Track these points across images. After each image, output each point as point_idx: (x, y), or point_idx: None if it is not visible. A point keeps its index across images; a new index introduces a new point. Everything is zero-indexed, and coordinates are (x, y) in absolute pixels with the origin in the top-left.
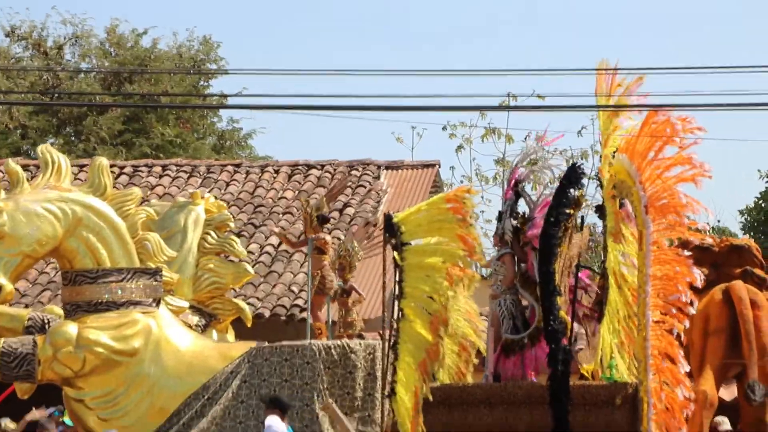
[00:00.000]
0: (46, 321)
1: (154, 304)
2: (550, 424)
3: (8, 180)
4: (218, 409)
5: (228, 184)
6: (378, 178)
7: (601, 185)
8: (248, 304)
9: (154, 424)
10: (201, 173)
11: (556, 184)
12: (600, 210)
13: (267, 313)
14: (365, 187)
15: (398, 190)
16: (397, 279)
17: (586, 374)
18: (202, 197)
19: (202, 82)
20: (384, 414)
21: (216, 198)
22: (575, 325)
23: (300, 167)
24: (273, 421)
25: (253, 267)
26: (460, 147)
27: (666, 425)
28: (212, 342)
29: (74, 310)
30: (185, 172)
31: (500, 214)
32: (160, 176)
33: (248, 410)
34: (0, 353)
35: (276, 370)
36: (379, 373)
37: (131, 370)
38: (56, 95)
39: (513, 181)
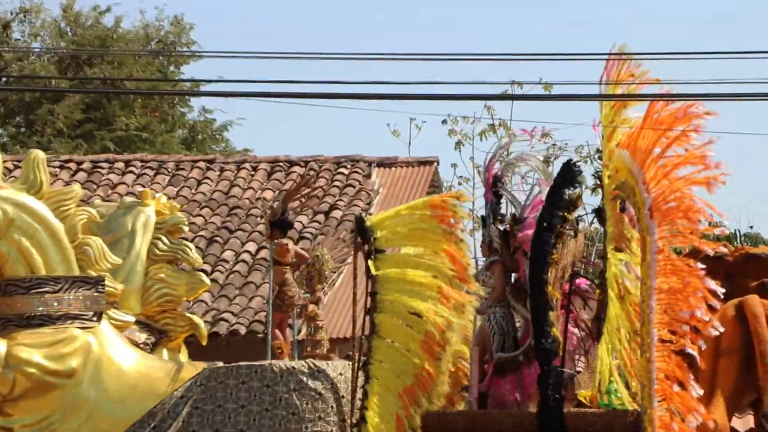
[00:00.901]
0: None
1: (94, 318)
2: None
3: None
4: None
5: (200, 183)
6: (369, 176)
7: (601, 185)
8: (221, 319)
9: None
10: (169, 170)
11: (542, 179)
12: (599, 213)
13: (243, 330)
14: (354, 187)
15: (391, 191)
16: (370, 290)
17: (584, 401)
18: (153, 197)
19: (172, 67)
20: None
21: (169, 198)
22: (573, 342)
23: (281, 164)
24: None
25: (227, 276)
26: (459, 143)
27: None
28: (161, 362)
29: (3, 325)
30: (151, 168)
31: (483, 219)
32: (123, 173)
33: None
34: None
35: (232, 395)
36: (348, 396)
37: (68, 393)
38: (3, 79)
39: (490, 180)
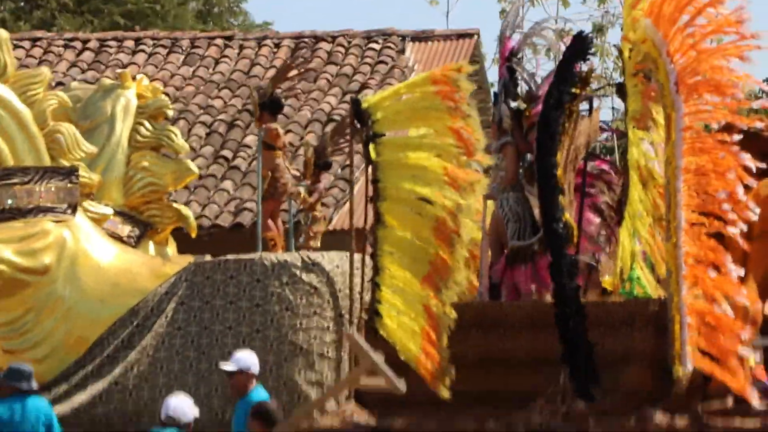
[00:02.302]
0: None
1: (69, 211)
2: (556, 349)
3: None
4: (150, 337)
5: (217, 62)
6: (402, 52)
7: (622, 57)
8: (245, 209)
9: (71, 356)
10: (183, 48)
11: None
12: (620, 89)
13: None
14: (386, 64)
15: (427, 67)
16: (372, 178)
17: (609, 288)
18: (133, 78)
19: None
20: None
21: (186, 78)
22: (595, 227)
23: (306, 40)
24: (244, 354)
25: (249, 163)
26: (503, 12)
27: (712, 349)
28: (142, 257)
29: None
30: (164, 46)
31: (495, 96)
32: (133, 52)
33: (186, 339)
34: None
35: (219, 291)
36: (347, 291)
37: (41, 291)
38: None
39: (505, 53)
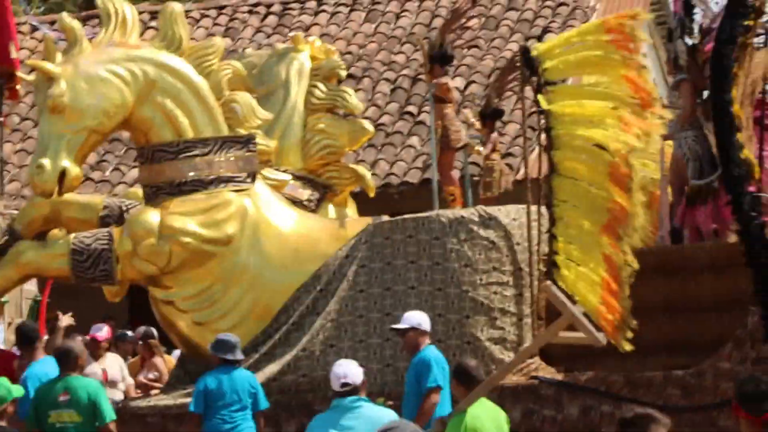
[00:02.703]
0: (124, 208)
1: (248, 180)
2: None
3: (65, 39)
4: (334, 302)
5: (398, 16)
6: None
7: None
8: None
9: (259, 325)
10: (365, 5)
11: None
12: None
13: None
14: (568, 5)
15: (611, 6)
16: (545, 126)
17: None
18: (306, 40)
19: None
20: (533, 292)
21: (367, 36)
22: None
23: None
24: (414, 313)
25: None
26: None
27: None
28: (322, 221)
29: (155, 194)
30: (345, 5)
31: (670, 32)
32: (315, 13)
33: (369, 300)
34: (71, 251)
35: (399, 250)
36: (525, 244)
37: (227, 261)
38: None
39: None
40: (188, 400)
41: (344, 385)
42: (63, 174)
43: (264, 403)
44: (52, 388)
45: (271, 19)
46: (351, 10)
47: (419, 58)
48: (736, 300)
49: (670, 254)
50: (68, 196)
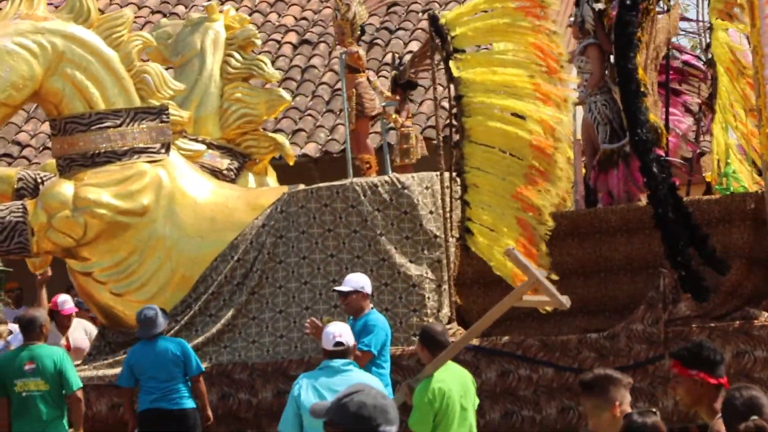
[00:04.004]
0: (39, 181)
1: (162, 151)
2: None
3: None
4: (253, 274)
5: None
6: None
7: None
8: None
9: (177, 295)
10: None
11: None
12: None
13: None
14: None
15: None
16: (455, 94)
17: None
18: (220, 10)
19: None
20: (449, 259)
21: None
22: (686, 126)
23: None
24: (356, 275)
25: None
26: None
27: None
28: (238, 190)
29: (68, 165)
30: None
31: None
32: None
33: (287, 271)
34: None
35: (316, 219)
36: (439, 212)
37: (142, 232)
38: None
39: None
40: (109, 371)
41: (337, 344)
42: None
43: (196, 368)
44: (16, 357)
45: None
46: None
47: (375, 23)
48: (649, 262)
49: (583, 217)
50: None
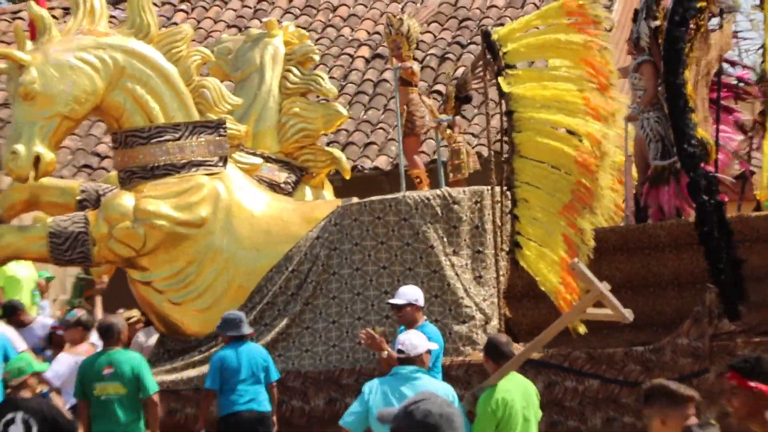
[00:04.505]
0: (101, 192)
1: (220, 164)
2: (702, 268)
3: (34, 27)
4: (308, 285)
5: None
6: None
7: None
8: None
9: (233, 305)
10: None
11: None
12: None
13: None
14: None
15: None
16: (505, 109)
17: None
18: (279, 25)
19: None
20: (499, 272)
21: (297, 27)
22: (737, 143)
23: None
24: (409, 288)
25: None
26: None
27: None
28: (293, 203)
29: (129, 178)
30: None
31: (635, 13)
32: None
33: (342, 282)
34: (49, 234)
35: (368, 232)
36: (488, 225)
37: (200, 243)
38: None
39: None
40: (167, 378)
41: (399, 351)
42: (37, 159)
43: (275, 375)
44: (95, 362)
45: (298, 1)
46: None
47: (447, 37)
48: (696, 277)
49: (632, 233)
50: (46, 180)
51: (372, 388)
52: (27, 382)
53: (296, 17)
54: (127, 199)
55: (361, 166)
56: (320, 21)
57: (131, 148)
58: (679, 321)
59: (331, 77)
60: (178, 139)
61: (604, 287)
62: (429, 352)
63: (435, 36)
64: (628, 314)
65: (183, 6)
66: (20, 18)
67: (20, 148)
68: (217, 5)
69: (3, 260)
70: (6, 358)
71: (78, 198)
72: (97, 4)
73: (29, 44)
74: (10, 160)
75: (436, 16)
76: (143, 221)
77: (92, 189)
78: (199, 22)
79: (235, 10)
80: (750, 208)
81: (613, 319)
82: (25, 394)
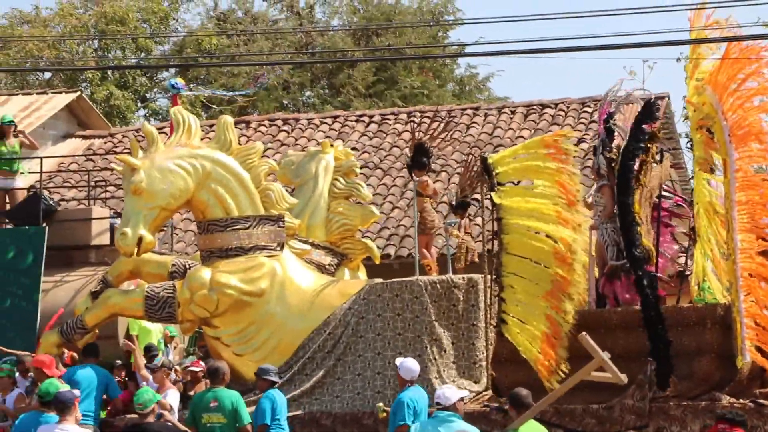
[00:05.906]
0: (188, 267)
1: (278, 248)
2: (645, 346)
3: (145, 140)
4: (341, 345)
5: (468, 127)
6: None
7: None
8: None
9: (282, 358)
10: (442, 117)
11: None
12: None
13: None
14: (597, 122)
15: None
16: (496, 216)
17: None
18: (332, 145)
19: (441, 33)
20: (488, 342)
21: (342, 145)
22: (673, 251)
23: (535, 107)
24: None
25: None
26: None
27: (764, 344)
28: (332, 281)
29: (208, 256)
30: (428, 117)
31: (594, 149)
32: (406, 122)
33: (366, 344)
34: (145, 297)
35: (388, 305)
36: (481, 305)
37: (259, 309)
38: (312, 53)
39: (603, 116)
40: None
41: (437, 402)
42: (140, 240)
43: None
44: (204, 397)
45: (372, 127)
46: (432, 121)
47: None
48: (640, 353)
49: (593, 316)
50: (147, 255)
51: (416, 428)
52: (153, 409)
53: (370, 138)
54: (205, 273)
55: (387, 254)
56: (388, 142)
57: (211, 234)
58: (627, 386)
59: (368, 185)
60: (247, 228)
61: (606, 356)
62: (461, 399)
63: (475, 157)
64: (624, 378)
65: (286, 127)
66: (164, 133)
67: (128, 230)
68: (311, 127)
69: (110, 316)
70: (108, 393)
71: (170, 270)
72: (194, 125)
73: (140, 153)
74: (120, 240)
75: (477, 143)
76: (217, 290)
77: (181, 263)
78: (296, 140)
79: (324, 132)
80: (687, 301)
81: (611, 381)
82: (150, 419)
